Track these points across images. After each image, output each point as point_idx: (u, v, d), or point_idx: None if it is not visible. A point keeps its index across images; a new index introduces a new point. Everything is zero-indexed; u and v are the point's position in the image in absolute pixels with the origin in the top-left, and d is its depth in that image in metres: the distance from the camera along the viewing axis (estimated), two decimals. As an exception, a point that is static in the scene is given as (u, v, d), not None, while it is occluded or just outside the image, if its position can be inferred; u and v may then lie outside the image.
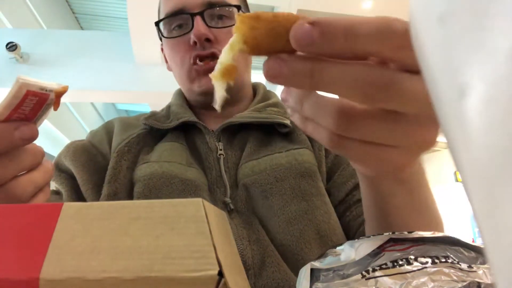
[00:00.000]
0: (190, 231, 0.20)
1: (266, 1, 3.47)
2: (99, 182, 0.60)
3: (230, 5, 0.63)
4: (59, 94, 0.35)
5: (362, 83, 0.21)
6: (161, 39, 0.69)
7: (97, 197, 0.58)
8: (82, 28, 4.44)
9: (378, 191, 0.38)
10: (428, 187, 0.40)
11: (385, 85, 0.20)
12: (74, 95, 3.48)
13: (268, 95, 0.72)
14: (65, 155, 0.61)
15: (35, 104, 0.34)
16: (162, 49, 0.71)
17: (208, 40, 0.60)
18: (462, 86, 0.10)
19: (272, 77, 0.23)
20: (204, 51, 0.60)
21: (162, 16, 0.64)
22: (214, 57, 0.60)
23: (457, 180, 6.10)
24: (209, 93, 0.62)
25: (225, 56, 0.25)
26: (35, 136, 0.34)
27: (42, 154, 0.37)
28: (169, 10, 0.62)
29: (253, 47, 0.23)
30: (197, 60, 0.61)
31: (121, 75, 3.46)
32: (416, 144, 0.25)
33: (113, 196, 0.57)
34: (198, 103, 0.67)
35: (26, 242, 0.20)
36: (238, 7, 0.64)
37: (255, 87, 0.74)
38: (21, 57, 3.32)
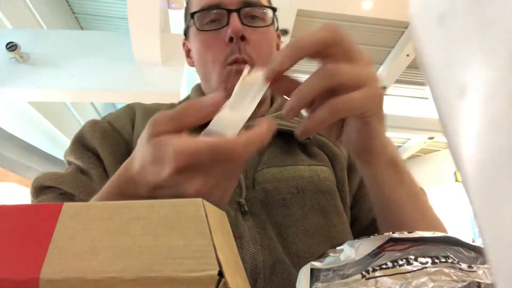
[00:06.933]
0: (190, 231, 0.20)
1: (266, 1, 3.46)
2: None
3: (266, 7, 0.63)
4: None
5: None
6: (185, 34, 0.68)
7: None
8: (82, 28, 4.43)
9: (375, 178, 0.45)
10: (415, 185, 0.48)
11: None
12: (74, 95, 3.47)
13: (286, 101, 0.72)
14: (92, 134, 0.60)
15: None
16: (184, 44, 0.70)
17: (242, 38, 0.59)
18: (462, 85, 0.10)
19: None
20: (240, 55, 0.59)
21: (193, 9, 0.64)
22: (243, 61, 0.59)
23: (457, 180, 6.10)
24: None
25: None
26: None
27: None
28: (205, 4, 0.62)
29: None
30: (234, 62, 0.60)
31: (121, 75, 3.45)
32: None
33: None
34: None
35: (26, 242, 0.20)
36: (274, 9, 0.63)
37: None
38: (21, 57, 3.32)
